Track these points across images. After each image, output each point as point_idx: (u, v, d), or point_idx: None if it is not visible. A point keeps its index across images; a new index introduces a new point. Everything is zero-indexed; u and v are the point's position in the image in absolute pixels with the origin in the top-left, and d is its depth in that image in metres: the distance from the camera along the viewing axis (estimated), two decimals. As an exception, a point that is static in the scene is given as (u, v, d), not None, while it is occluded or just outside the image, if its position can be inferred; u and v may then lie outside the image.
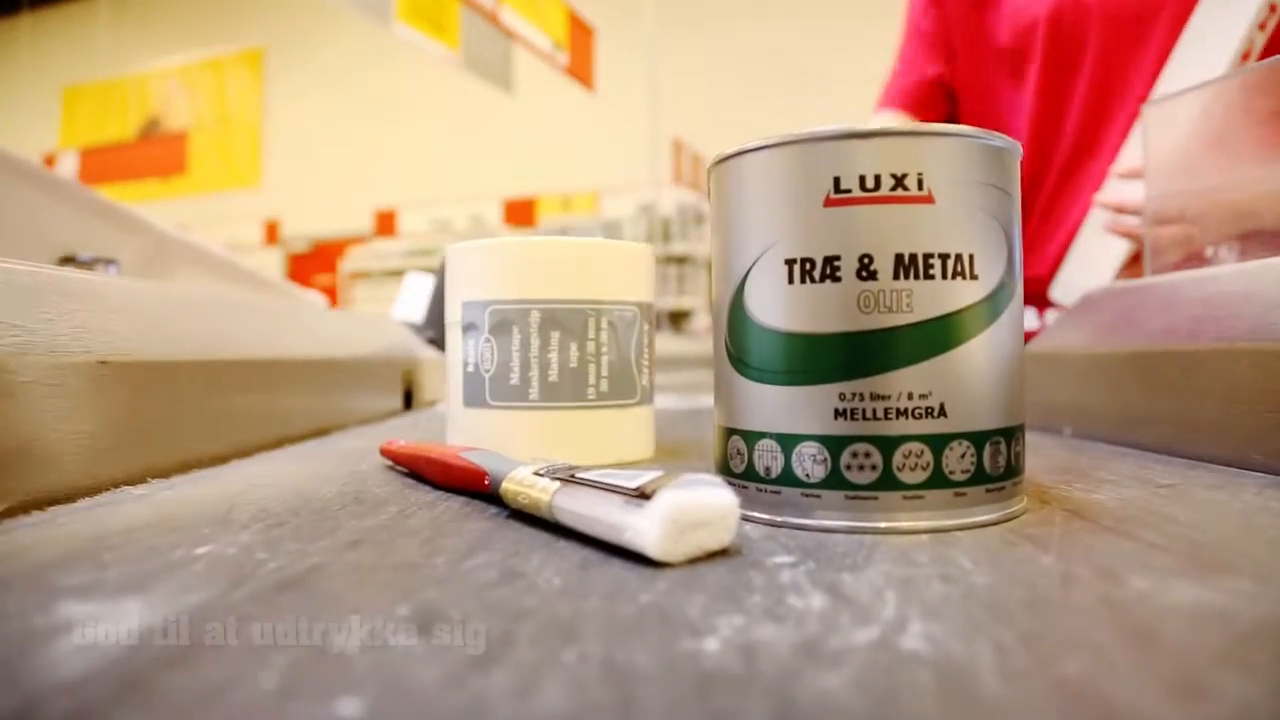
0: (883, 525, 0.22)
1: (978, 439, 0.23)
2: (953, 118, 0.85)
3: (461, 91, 5.32)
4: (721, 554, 0.20)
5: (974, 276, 0.23)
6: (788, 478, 0.23)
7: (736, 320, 0.25)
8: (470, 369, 0.36)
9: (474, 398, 0.36)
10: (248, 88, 6.35)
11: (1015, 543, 0.21)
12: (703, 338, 2.89)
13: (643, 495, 0.19)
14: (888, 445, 0.22)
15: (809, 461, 0.23)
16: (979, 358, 0.23)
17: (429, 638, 0.14)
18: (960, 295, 0.23)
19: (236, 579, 0.18)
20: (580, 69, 2.58)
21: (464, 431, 0.36)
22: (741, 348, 0.25)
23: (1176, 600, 0.16)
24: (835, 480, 0.23)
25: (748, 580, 0.18)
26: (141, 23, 6.51)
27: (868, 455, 0.22)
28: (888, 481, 0.22)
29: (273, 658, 0.13)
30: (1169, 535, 0.21)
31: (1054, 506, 0.25)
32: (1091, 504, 0.25)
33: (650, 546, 0.19)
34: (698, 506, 0.19)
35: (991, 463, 0.23)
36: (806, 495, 0.23)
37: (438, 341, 0.76)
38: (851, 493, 0.23)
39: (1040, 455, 0.36)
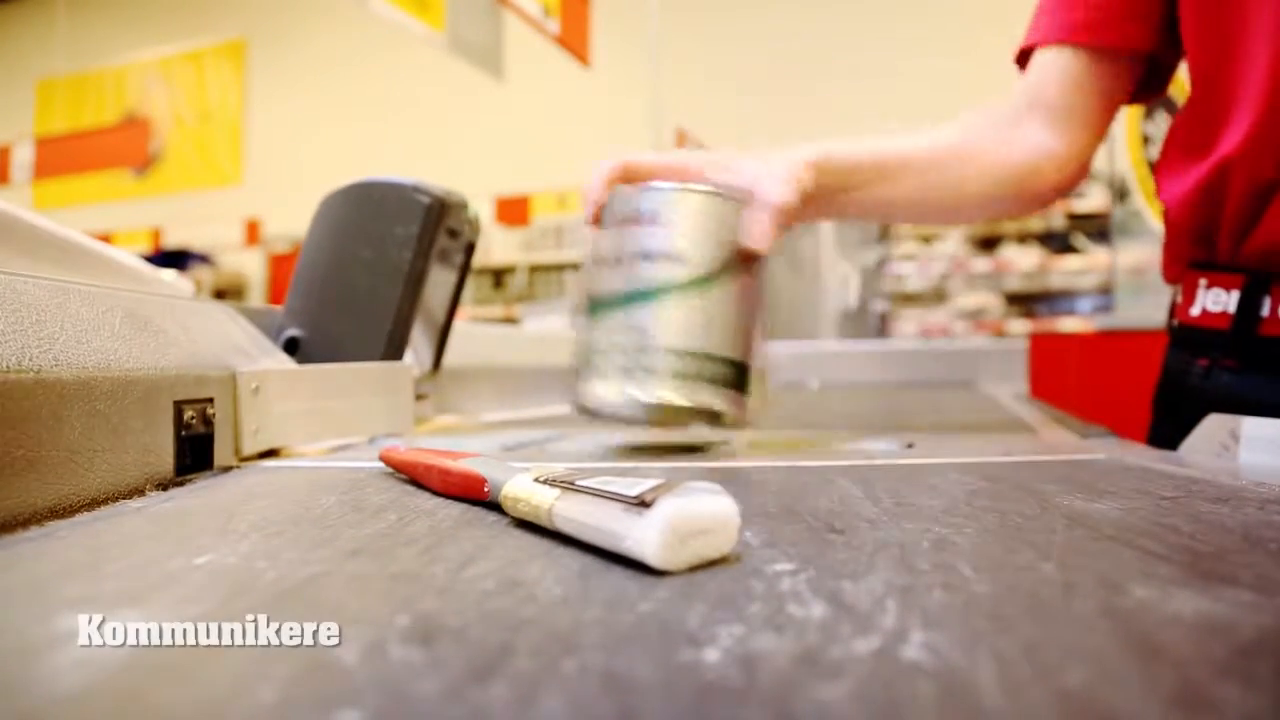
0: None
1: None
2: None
3: (452, 84, 5.32)
4: (721, 561, 0.20)
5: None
6: None
7: None
8: None
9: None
10: (228, 81, 6.26)
11: (1017, 550, 0.21)
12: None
13: (643, 503, 0.19)
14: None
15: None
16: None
17: (428, 648, 0.14)
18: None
19: (236, 589, 0.18)
20: (573, 39, 2.48)
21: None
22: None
23: (1178, 610, 0.16)
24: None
25: (748, 588, 0.18)
26: (117, 12, 6.43)
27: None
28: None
29: (272, 669, 0.13)
30: (1170, 545, 0.21)
31: (1055, 514, 0.25)
32: (1092, 513, 0.26)
33: (650, 555, 0.19)
34: (698, 514, 0.19)
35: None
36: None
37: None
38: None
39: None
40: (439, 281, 0.54)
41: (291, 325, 0.48)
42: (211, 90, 6.29)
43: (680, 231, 0.38)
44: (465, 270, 0.59)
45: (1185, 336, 0.54)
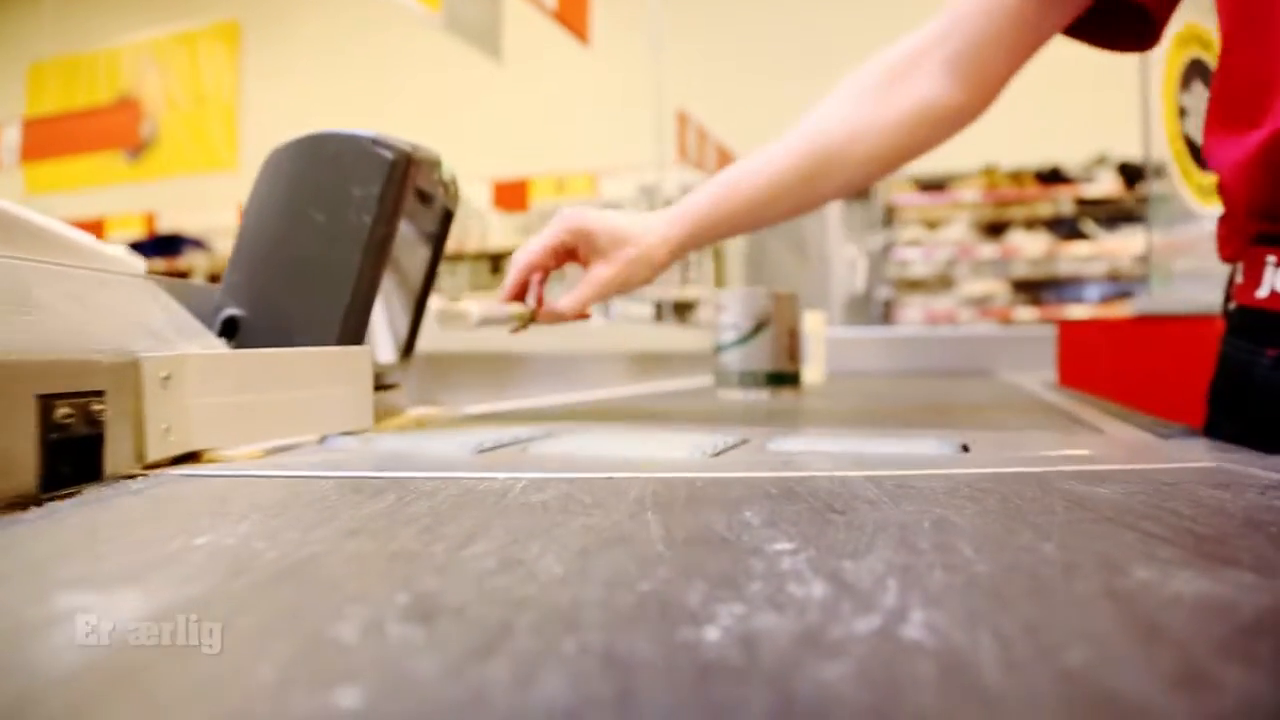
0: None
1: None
2: None
3: (449, 65, 5.21)
4: (721, 541, 0.19)
5: None
6: None
7: None
8: None
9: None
10: (222, 64, 6.14)
11: (1017, 530, 0.20)
12: (709, 330, 2.82)
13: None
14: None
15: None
16: None
17: (428, 627, 0.14)
18: None
19: (235, 569, 0.17)
20: (572, 16, 2.40)
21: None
22: None
23: (1179, 591, 0.15)
24: None
25: (748, 568, 0.17)
26: (109, -8, 6.32)
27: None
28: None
29: (271, 648, 0.13)
30: (1172, 528, 0.20)
31: (1055, 497, 0.24)
32: (1093, 495, 0.25)
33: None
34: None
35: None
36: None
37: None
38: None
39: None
40: (409, 253, 0.46)
41: (231, 304, 0.41)
42: (205, 73, 6.18)
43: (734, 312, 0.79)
44: (441, 242, 0.51)
45: (1249, 322, 0.47)
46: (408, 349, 0.51)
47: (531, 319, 0.53)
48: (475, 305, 0.51)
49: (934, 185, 4.45)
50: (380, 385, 0.48)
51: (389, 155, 0.40)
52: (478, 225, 5.09)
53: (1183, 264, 1.27)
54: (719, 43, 4.83)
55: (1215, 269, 0.54)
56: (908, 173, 4.47)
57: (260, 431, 0.35)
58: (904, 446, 0.38)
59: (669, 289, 4.23)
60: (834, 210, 2.60)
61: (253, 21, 6.08)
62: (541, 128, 5.20)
